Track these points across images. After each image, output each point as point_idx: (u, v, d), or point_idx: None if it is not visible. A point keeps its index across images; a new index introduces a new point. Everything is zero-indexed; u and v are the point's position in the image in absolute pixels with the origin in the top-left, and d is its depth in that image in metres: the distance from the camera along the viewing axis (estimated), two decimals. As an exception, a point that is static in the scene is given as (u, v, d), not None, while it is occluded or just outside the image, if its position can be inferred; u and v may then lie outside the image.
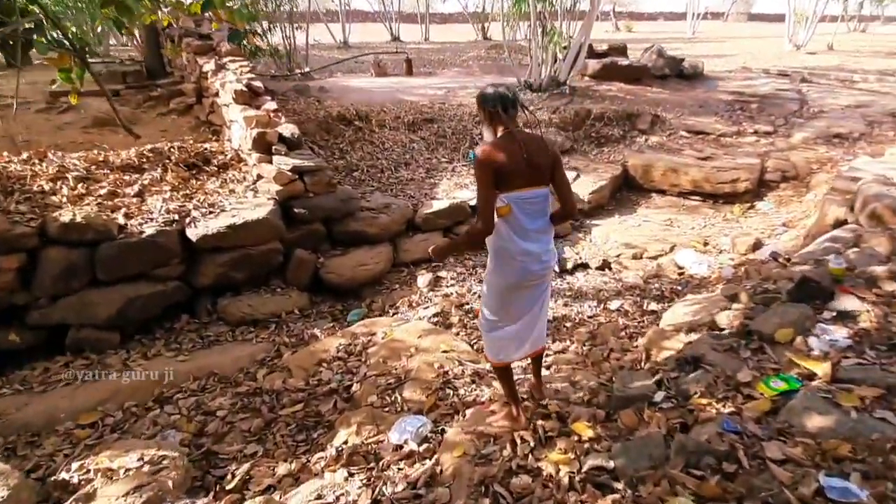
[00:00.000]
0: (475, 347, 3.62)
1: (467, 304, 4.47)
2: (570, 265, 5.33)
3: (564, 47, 9.80)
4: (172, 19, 8.28)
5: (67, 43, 3.45)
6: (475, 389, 2.99)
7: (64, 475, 2.54)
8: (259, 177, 5.46)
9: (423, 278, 4.91)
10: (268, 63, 12.45)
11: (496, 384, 2.76)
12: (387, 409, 2.92)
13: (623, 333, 3.61)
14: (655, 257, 5.35)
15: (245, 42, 7.84)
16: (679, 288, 4.49)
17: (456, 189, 6.20)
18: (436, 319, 4.17)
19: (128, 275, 4.39)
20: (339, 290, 4.98)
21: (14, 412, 3.45)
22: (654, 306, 4.15)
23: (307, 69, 12.80)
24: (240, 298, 4.65)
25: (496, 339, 2.31)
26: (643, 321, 3.86)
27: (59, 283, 4.20)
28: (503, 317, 2.27)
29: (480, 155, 2.05)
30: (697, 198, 6.76)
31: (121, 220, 4.59)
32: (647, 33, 26.29)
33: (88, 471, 2.53)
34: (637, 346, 3.26)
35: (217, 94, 6.81)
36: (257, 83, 6.44)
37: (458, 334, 3.88)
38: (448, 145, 7.46)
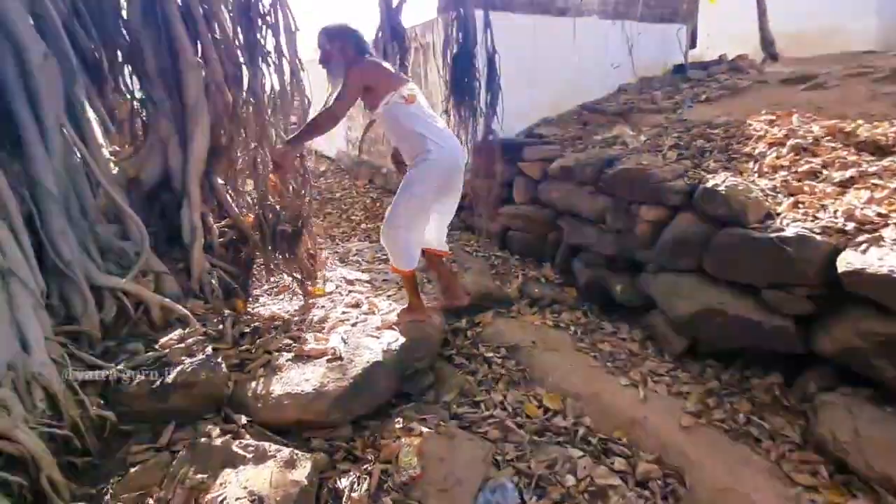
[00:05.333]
0: None
1: None
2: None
3: None
4: None
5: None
6: None
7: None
8: None
9: None
10: None
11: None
12: None
13: None
14: None
15: None
16: None
17: None
18: None
19: (729, 277, 2.91)
20: None
21: (507, 334, 3.31)
22: None
23: None
24: (851, 409, 2.22)
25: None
26: None
27: (666, 254, 3.30)
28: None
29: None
30: None
31: (780, 209, 2.98)
32: None
33: (392, 439, 1.97)
34: None
35: None
36: None
37: None
38: None
